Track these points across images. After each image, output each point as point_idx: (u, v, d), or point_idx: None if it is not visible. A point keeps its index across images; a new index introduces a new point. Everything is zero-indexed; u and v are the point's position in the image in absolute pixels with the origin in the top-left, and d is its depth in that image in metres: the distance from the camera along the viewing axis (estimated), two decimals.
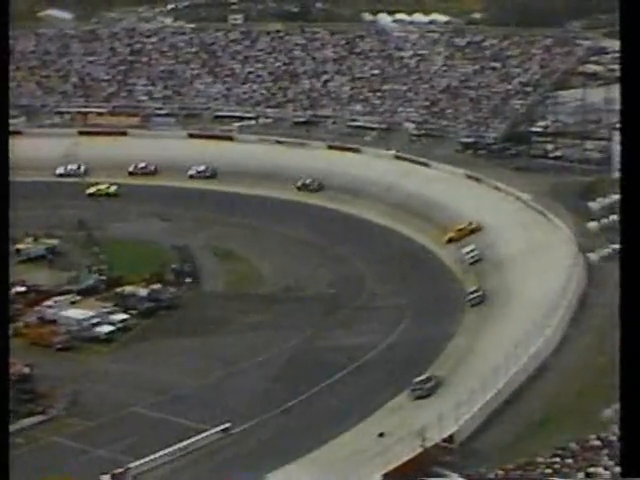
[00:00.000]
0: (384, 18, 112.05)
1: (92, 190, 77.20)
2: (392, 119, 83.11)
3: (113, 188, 77.43)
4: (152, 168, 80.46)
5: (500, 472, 33.16)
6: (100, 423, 45.36)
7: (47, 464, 41.02)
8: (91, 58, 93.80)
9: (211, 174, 79.77)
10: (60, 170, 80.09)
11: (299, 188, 76.35)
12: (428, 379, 46.32)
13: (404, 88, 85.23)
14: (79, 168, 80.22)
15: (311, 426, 43.86)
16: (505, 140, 77.17)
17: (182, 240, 67.85)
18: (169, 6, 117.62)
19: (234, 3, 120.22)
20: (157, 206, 74.16)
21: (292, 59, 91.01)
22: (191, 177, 79.62)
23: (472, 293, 56.18)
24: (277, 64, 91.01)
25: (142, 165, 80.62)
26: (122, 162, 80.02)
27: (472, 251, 61.25)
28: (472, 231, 63.75)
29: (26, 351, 49.29)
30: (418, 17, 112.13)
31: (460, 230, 64.22)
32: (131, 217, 73.03)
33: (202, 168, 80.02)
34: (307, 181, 76.58)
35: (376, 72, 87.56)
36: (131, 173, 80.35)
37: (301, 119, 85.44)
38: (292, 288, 61.23)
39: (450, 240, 64.12)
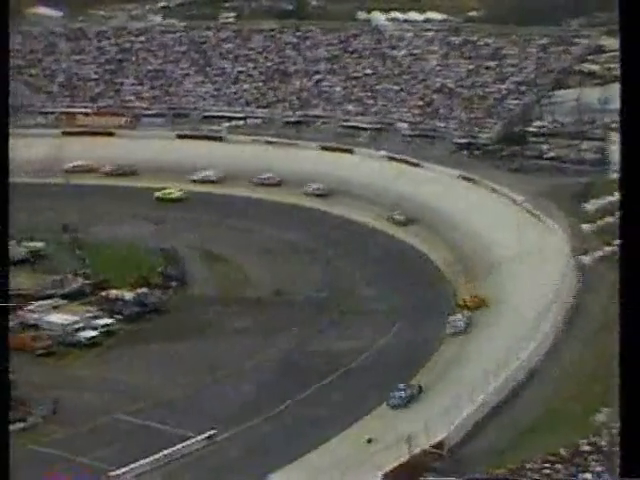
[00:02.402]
0: (378, 16, 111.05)
1: (159, 194, 75.85)
2: (385, 119, 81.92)
3: (178, 193, 75.99)
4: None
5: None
6: (81, 430, 44.34)
7: (24, 474, 39.62)
8: (78, 57, 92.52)
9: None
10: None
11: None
12: None
13: (397, 88, 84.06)
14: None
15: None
16: (500, 141, 76.14)
17: (170, 243, 66.49)
18: (160, 4, 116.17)
19: (227, 1, 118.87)
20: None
21: (284, 58, 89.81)
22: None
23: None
24: (269, 63, 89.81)
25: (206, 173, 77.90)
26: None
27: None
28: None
29: None
30: (413, 15, 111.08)
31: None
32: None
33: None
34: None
35: (369, 71, 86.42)
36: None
37: (292, 119, 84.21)
38: (282, 292, 59.96)
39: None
